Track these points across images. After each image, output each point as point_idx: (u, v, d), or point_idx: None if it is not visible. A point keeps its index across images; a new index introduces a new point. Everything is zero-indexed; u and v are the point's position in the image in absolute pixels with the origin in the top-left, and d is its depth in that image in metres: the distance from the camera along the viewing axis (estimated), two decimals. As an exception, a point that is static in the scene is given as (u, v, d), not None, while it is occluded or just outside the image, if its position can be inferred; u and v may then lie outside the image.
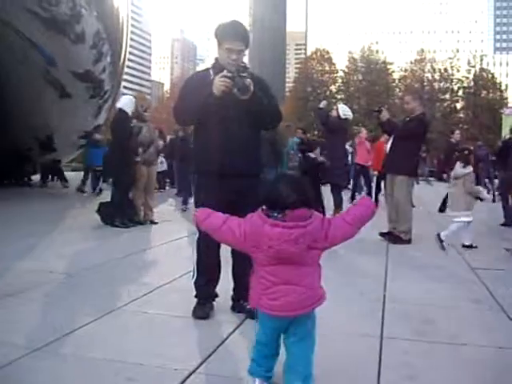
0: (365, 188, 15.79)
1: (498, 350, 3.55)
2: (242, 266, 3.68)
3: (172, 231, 8.88)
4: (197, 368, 3.09)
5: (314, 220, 2.70)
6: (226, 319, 4.02)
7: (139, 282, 5.26)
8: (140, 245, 7.54)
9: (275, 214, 2.65)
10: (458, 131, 13.56)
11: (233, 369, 3.12)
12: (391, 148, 8.51)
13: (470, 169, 7.65)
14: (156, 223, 9.52)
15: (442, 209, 12.85)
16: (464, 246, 7.58)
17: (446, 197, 13.04)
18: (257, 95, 3.88)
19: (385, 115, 8.48)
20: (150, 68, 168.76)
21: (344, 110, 9.99)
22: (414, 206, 10.87)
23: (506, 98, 64.09)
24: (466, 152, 7.92)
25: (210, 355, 3.30)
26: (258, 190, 3.98)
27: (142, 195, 9.50)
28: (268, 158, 11.17)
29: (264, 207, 2.72)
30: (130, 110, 9.06)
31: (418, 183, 19.44)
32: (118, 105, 9.42)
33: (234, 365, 3.19)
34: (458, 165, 7.68)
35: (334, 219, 2.86)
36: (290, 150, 11.96)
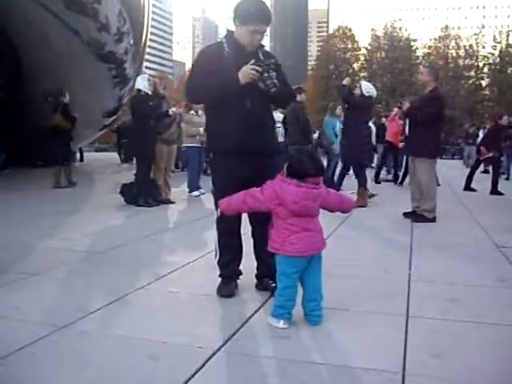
0: (392, 168, 15.62)
1: (525, 329, 3.50)
2: (266, 245, 3.66)
3: (194, 210, 8.92)
4: (221, 346, 3.09)
5: (322, 186, 3.48)
6: (250, 297, 4.01)
7: (163, 260, 5.29)
8: (163, 224, 7.57)
9: (296, 179, 3.38)
10: (505, 116, 13.48)
11: (257, 347, 3.11)
12: (410, 129, 8.40)
13: None
14: (173, 202, 9.55)
15: (467, 187, 12.76)
16: None
17: (470, 175, 13.02)
18: (279, 88, 3.90)
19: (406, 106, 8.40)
20: (171, 48, 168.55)
21: (367, 88, 9.86)
22: (439, 185, 10.76)
23: (533, 75, 62.90)
24: None
25: (234, 333, 3.29)
26: (275, 168, 3.94)
27: (162, 174, 9.53)
28: (296, 136, 11.11)
29: (284, 174, 3.43)
30: (143, 87, 9.08)
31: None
32: (136, 85, 9.48)
33: (258, 343, 3.18)
34: None
35: (331, 192, 3.65)
36: (326, 129, 11.94)
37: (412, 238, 6.62)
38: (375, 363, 2.90)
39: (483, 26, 65.62)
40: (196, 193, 10.71)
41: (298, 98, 11.35)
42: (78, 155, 21.14)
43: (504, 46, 61.85)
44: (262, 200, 3.47)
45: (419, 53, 66.33)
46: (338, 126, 11.98)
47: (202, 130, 10.64)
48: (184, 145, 11.15)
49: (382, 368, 2.84)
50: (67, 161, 12.49)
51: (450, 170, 19.85)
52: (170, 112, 9.43)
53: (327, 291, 3.62)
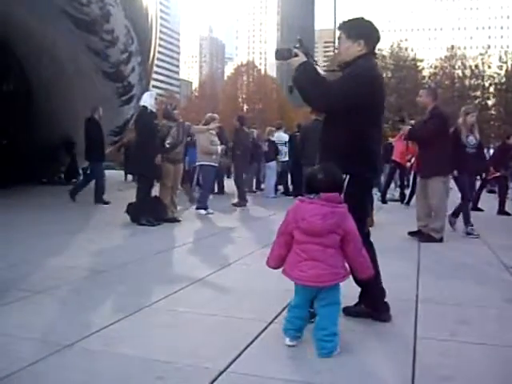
0: (398, 187, 15.56)
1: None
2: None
3: (200, 229, 8.89)
4: (227, 367, 3.06)
5: (343, 208, 3.32)
6: (256, 317, 3.98)
7: (169, 279, 5.26)
8: (169, 242, 7.55)
9: (311, 196, 3.32)
10: None
11: (264, 368, 3.08)
12: (419, 150, 8.41)
13: None
14: (179, 221, 9.53)
15: (474, 207, 12.69)
16: None
17: (478, 194, 12.95)
18: (300, 69, 3.76)
19: (407, 123, 8.44)
20: (178, 67, 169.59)
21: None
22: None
23: (540, 95, 62.96)
24: None
25: (240, 354, 3.26)
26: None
27: (169, 193, 9.52)
28: (314, 156, 11.08)
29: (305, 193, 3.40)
30: (149, 105, 9.07)
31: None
32: (142, 102, 9.46)
33: (264, 364, 3.14)
34: None
35: (357, 238, 3.39)
36: None
37: (419, 258, 6.58)
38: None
39: (489, 46, 65.88)
40: (203, 211, 10.70)
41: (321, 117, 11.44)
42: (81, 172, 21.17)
43: (510, 66, 61.92)
44: (282, 230, 3.44)
45: (425, 73, 66.46)
46: None
47: (219, 148, 10.74)
48: (200, 163, 11.06)
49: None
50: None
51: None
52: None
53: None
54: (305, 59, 3.79)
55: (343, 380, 2.96)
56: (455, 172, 8.50)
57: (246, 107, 73.12)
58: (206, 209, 10.77)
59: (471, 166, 8.66)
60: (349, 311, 4.03)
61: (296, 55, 3.81)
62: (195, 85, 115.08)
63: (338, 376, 3.00)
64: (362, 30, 3.99)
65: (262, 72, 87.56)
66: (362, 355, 3.30)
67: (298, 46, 3.86)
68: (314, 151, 12.12)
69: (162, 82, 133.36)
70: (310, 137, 11.54)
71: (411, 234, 8.12)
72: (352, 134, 3.79)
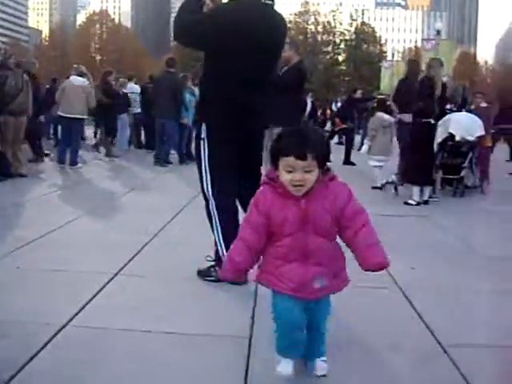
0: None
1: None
2: None
3: (46, 184, 8.62)
4: (69, 321, 3.03)
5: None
6: (100, 270, 3.93)
7: (13, 235, 5.11)
8: (12, 198, 7.22)
9: None
10: (359, 90, 14.09)
11: (108, 320, 3.08)
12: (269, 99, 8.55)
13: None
14: (25, 176, 9.11)
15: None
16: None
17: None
18: None
19: None
20: (26, 14, 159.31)
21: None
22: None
23: (385, 52, 66.30)
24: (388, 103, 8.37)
25: (83, 307, 3.24)
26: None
27: (10, 146, 9.04)
28: (169, 108, 10.98)
29: None
30: None
31: None
32: None
33: (108, 316, 3.15)
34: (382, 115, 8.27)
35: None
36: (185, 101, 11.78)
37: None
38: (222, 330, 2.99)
39: (341, 4, 68.16)
40: (80, 165, 10.71)
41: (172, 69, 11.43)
42: None
43: (359, 24, 64.53)
44: None
45: (280, 27, 67.54)
46: (188, 98, 11.84)
47: None
48: (82, 116, 10.85)
49: (230, 334, 2.94)
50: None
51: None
52: None
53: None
54: None
55: (190, 324, 3.05)
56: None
57: (99, 57, 70.60)
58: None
59: None
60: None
61: None
62: (45, 33, 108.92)
63: (185, 321, 3.09)
64: None
65: (116, 21, 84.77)
66: (207, 300, 3.41)
67: None
68: (165, 102, 12.00)
69: (8, 29, 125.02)
70: (162, 88, 11.41)
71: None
72: (206, 79, 3.78)
